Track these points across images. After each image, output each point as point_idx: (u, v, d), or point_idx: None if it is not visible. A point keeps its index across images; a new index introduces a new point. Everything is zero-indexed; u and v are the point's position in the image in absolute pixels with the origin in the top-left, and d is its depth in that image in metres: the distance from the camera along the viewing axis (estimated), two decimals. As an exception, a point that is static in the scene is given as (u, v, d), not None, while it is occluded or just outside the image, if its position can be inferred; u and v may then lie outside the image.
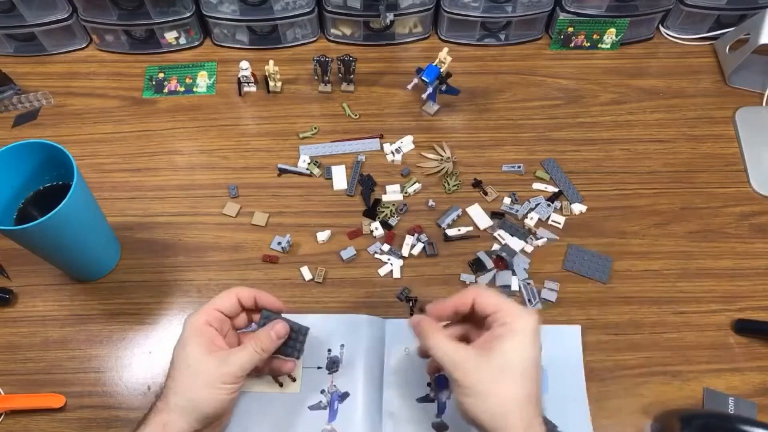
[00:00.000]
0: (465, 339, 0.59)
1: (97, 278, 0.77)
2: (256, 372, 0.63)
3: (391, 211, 0.80)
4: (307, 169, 0.84)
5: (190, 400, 0.56)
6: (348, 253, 0.77)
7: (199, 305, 0.74)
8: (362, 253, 0.78)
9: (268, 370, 0.64)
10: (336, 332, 0.70)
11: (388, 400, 0.67)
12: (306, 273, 0.76)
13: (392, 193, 0.82)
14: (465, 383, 0.53)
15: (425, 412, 0.67)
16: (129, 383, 0.70)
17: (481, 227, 0.79)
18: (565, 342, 0.71)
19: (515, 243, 0.78)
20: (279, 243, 0.78)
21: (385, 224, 0.79)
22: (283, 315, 0.62)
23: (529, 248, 0.78)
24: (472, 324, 0.60)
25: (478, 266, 0.76)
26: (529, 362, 0.53)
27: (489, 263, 0.75)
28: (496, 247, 0.78)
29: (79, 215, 0.65)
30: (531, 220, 0.79)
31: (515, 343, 0.53)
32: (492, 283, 0.75)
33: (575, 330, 0.72)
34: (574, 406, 0.67)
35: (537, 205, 0.80)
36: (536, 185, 0.83)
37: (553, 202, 0.81)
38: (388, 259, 0.77)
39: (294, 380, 0.67)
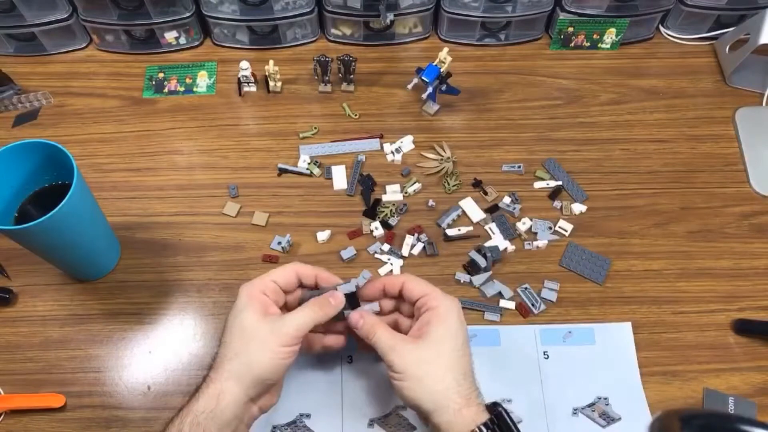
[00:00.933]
0: (395, 328, 0.61)
1: (97, 278, 0.77)
2: (308, 349, 0.63)
3: (391, 211, 0.80)
4: (307, 169, 0.84)
5: (246, 364, 0.55)
6: (348, 253, 0.77)
7: (200, 305, 0.75)
8: (362, 253, 0.78)
9: (321, 347, 0.64)
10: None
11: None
12: (306, 273, 0.76)
13: (392, 193, 0.82)
14: (400, 367, 0.56)
15: None
16: (129, 383, 0.70)
17: (474, 220, 0.80)
18: (617, 339, 0.72)
19: (502, 241, 0.78)
20: (279, 243, 0.78)
21: (385, 224, 0.79)
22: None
23: (511, 248, 0.78)
24: (402, 314, 0.64)
25: (473, 268, 0.76)
26: (460, 342, 0.57)
27: (483, 262, 0.75)
28: (486, 244, 0.77)
29: (79, 215, 0.65)
30: (524, 225, 0.79)
31: (445, 327, 0.57)
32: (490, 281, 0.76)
33: (626, 327, 0.72)
34: (630, 397, 0.68)
35: (548, 228, 0.79)
36: (537, 184, 0.83)
37: (554, 200, 0.81)
38: (388, 259, 0.77)
39: None
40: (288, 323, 0.56)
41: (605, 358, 0.70)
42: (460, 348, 0.57)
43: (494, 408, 0.55)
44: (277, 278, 0.60)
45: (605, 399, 0.68)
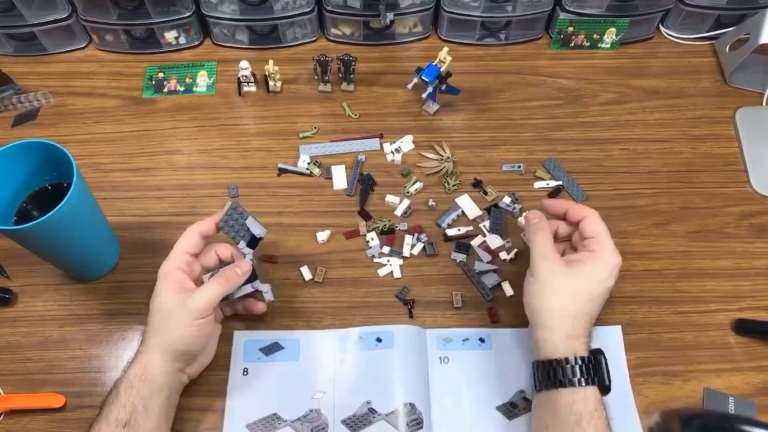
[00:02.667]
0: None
1: (96, 278, 0.76)
2: (232, 311, 0.71)
3: (386, 225, 0.79)
4: (307, 168, 0.84)
5: (166, 339, 0.62)
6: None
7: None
8: (362, 253, 0.78)
9: (242, 308, 0.71)
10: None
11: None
12: (306, 273, 0.76)
13: (391, 203, 0.81)
14: (540, 274, 0.62)
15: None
16: (129, 383, 0.70)
17: (470, 217, 0.80)
18: (607, 342, 0.70)
19: (494, 240, 0.78)
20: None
21: (382, 232, 0.79)
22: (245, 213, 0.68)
23: (508, 245, 0.78)
24: (569, 246, 0.69)
25: (462, 248, 0.77)
26: (598, 290, 0.61)
27: (486, 257, 0.76)
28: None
29: (78, 215, 0.65)
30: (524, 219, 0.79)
31: (593, 270, 0.62)
32: (478, 280, 0.76)
33: (616, 330, 0.71)
34: (620, 402, 0.66)
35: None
36: (537, 184, 0.83)
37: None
38: (388, 260, 0.77)
39: None
40: (197, 299, 0.61)
41: None
42: (595, 294, 0.61)
43: (597, 353, 0.59)
44: (186, 247, 0.65)
45: None
